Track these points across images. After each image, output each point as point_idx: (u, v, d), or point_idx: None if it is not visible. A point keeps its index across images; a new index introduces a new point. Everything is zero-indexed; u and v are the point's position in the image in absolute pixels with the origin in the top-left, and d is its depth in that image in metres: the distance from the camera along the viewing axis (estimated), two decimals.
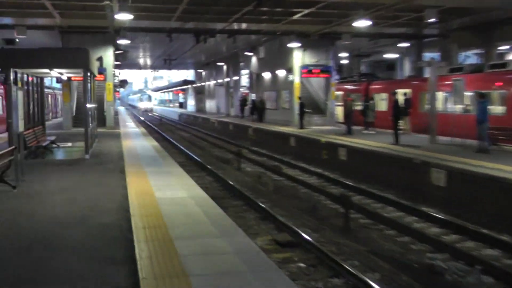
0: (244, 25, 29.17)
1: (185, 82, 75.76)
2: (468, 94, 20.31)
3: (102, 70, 29.39)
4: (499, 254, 10.21)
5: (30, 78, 18.63)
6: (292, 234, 10.95)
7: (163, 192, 10.60)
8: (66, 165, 15.11)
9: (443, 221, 12.31)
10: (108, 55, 30.66)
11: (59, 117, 46.10)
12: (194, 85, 69.38)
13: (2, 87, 27.11)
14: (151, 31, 30.06)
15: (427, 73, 25.61)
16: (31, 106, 18.84)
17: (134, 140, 23.52)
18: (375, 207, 14.25)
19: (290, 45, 30.83)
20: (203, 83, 63.34)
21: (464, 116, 19.58)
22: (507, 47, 30.16)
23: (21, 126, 12.38)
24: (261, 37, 33.99)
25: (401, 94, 24.32)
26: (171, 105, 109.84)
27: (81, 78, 24.62)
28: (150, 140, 23.61)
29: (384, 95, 29.23)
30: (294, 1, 22.80)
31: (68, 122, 30.13)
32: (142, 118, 65.16)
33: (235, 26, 28.59)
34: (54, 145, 19.69)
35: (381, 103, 29.29)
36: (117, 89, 72.34)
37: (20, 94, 12.45)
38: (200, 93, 65.50)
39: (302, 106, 29.11)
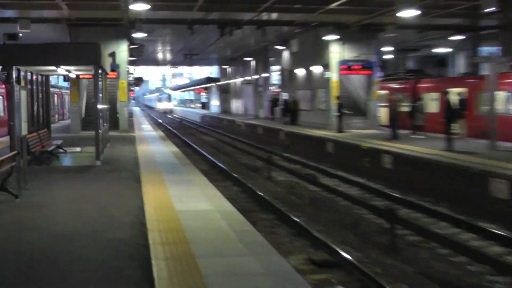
0: (274, 15, 29.13)
1: (208, 79, 75.95)
2: None
3: (114, 67, 29.57)
4: None
5: (34, 77, 18.87)
6: (330, 253, 10.86)
7: (184, 203, 10.59)
8: (74, 173, 15.23)
9: (505, 239, 12.08)
10: (122, 50, 30.91)
11: (66, 119, 46.61)
12: (218, 83, 69.61)
13: (4, 86, 27.43)
14: (170, 23, 30.24)
15: (485, 70, 25.26)
16: (35, 107, 19.10)
17: (151, 144, 23.64)
18: (425, 222, 14.06)
19: (326, 37, 30.69)
20: (228, 81, 63.51)
21: None
22: None
23: (24, 129, 12.50)
24: (294, 28, 33.89)
25: (455, 94, 24.04)
26: (192, 106, 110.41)
27: (91, 76, 25.08)
28: (168, 145, 23.71)
29: (435, 95, 28.92)
30: None
31: (76, 124, 30.40)
32: (159, 121, 65.57)
33: (265, 16, 28.55)
34: (61, 150, 19.87)
35: (431, 103, 28.99)
36: (132, 88, 73.05)
37: (23, 93, 12.57)
38: (225, 92, 65.65)
39: (340, 107, 28.97)
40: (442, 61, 41.28)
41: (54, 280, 6.58)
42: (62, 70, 18.71)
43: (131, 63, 44.41)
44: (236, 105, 60.42)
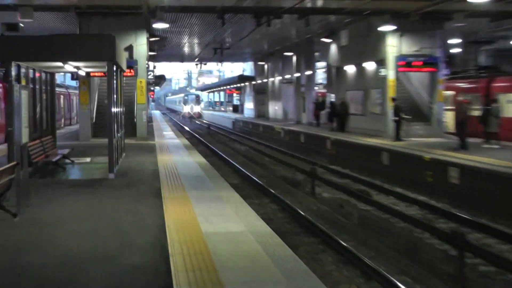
0: (320, 2, 29.17)
1: (241, 78, 76.10)
2: None
3: (132, 63, 29.71)
4: None
5: (37, 74, 19.07)
6: (385, 284, 10.80)
7: (212, 224, 10.63)
8: (84, 187, 15.36)
9: None
10: (140, 44, 31.11)
11: (74, 124, 47.19)
12: (253, 83, 69.79)
13: (1, 85, 27.69)
14: (197, 11, 30.43)
15: None
16: (38, 110, 19.28)
17: (174, 154, 23.78)
18: (501, 250, 13.92)
19: (382, 28, 30.57)
20: (265, 80, 63.66)
21: None
22: None
23: (24, 136, 12.61)
24: (344, 18, 33.88)
25: None
26: (222, 109, 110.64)
27: (104, 74, 25.29)
28: (194, 154, 23.81)
29: None
30: None
31: (86, 130, 30.70)
32: (184, 127, 65.88)
33: (309, 3, 28.58)
34: (68, 161, 20.09)
35: (509, 106, 28.69)
36: (152, 88, 73.62)
37: (24, 94, 12.68)
38: (261, 93, 65.74)
39: (397, 110, 28.80)
40: None
41: None
42: (70, 66, 18.85)
43: (151, 58, 44.84)
44: (274, 108, 60.48)
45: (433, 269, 12.42)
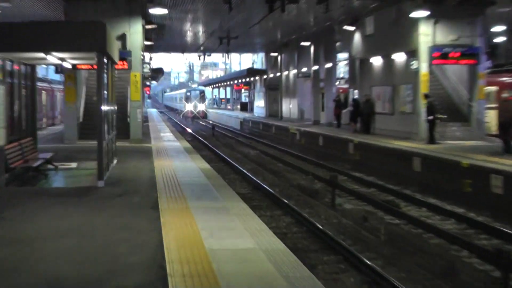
0: None
1: (251, 72, 76.11)
2: None
3: (125, 54, 29.75)
4: None
5: (15, 67, 19.10)
6: None
7: (217, 240, 10.62)
8: (69, 197, 15.39)
9: None
10: (135, 32, 31.19)
11: (58, 124, 47.33)
12: (264, 77, 69.86)
13: None
14: None
15: None
16: (17, 108, 19.32)
17: (173, 159, 23.82)
18: None
19: (413, 14, 30.59)
20: (278, 74, 63.71)
21: None
22: None
23: (1, 138, 12.65)
24: (369, 3, 33.89)
25: None
26: (229, 107, 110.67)
27: (91, 67, 25.31)
28: (197, 160, 23.84)
29: None
30: None
31: (72, 131, 30.83)
32: (184, 127, 65.97)
33: None
34: (51, 166, 20.13)
35: None
36: (148, 83, 73.72)
37: (1, 90, 12.72)
38: (274, 89, 65.79)
39: (431, 109, 28.75)
40: None
41: None
42: (53, 58, 18.90)
43: (147, 49, 44.96)
44: (288, 106, 60.55)
45: None
